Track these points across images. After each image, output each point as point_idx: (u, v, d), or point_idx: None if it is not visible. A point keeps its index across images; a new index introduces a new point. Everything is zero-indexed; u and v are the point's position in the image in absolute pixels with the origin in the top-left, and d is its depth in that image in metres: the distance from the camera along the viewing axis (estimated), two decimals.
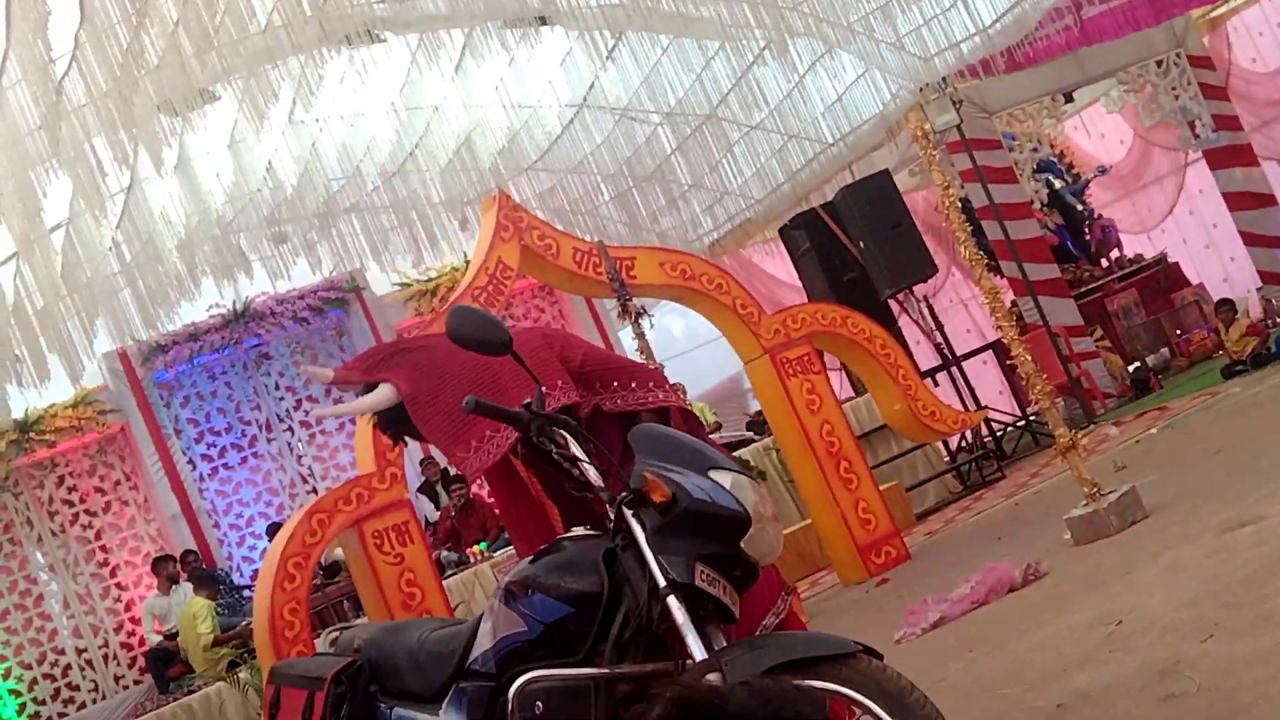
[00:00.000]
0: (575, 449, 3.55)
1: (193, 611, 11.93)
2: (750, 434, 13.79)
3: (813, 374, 9.57)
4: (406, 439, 4.32)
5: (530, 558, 3.62)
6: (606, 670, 3.31)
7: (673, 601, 3.20)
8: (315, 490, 14.87)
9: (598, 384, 4.19)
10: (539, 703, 3.35)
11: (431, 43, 12.33)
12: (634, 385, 4.28)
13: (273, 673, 4.14)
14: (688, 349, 16.88)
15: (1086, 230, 16.68)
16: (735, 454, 12.12)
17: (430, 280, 16.32)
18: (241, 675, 9.67)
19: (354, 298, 15.85)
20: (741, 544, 3.27)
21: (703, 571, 3.23)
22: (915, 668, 5.76)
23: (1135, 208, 17.97)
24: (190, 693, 10.51)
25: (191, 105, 10.81)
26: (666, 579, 3.21)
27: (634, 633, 3.30)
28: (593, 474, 3.49)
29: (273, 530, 13.58)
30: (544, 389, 3.74)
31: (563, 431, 3.58)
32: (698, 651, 3.14)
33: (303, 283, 15.54)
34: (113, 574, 14.44)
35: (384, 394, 4.16)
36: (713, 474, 3.32)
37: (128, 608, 14.31)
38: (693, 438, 3.62)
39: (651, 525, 3.26)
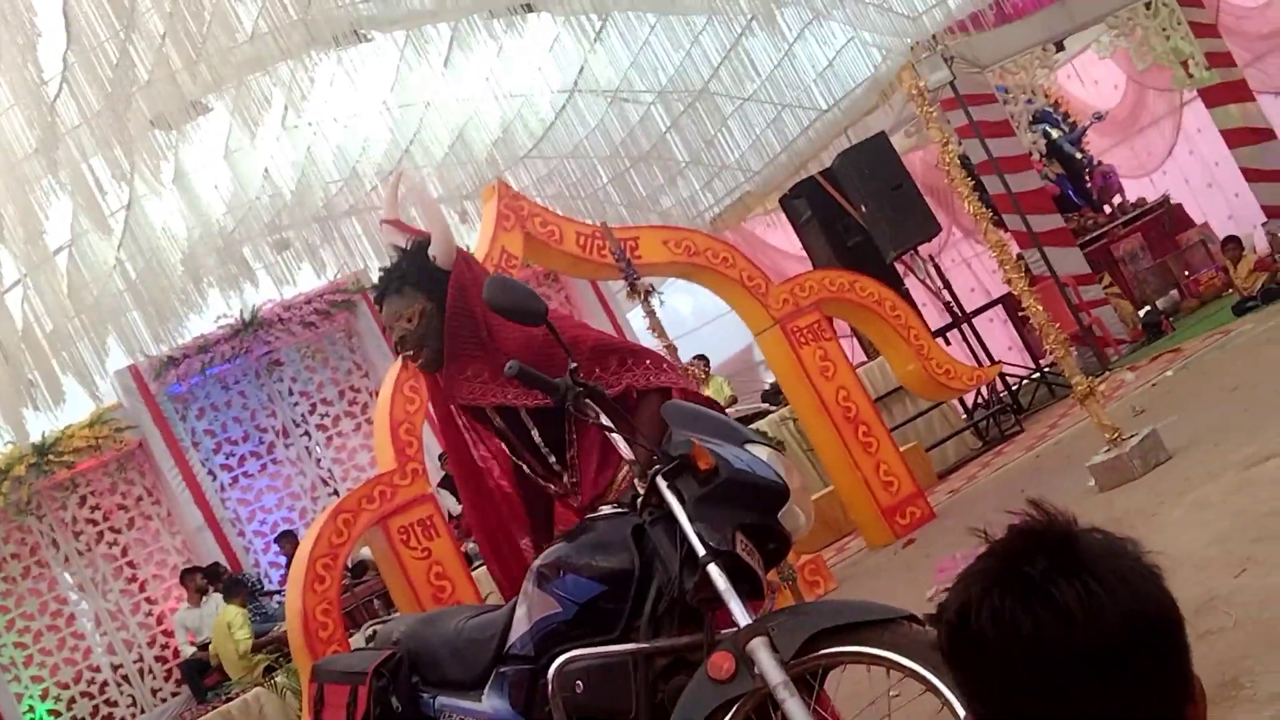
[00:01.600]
0: (605, 420, 3.57)
1: (227, 620, 11.97)
2: (766, 405, 13.80)
3: (824, 341, 9.57)
4: (424, 357, 4.10)
5: (563, 538, 3.65)
6: (644, 645, 3.33)
7: (714, 569, 3.21)
8: (336, 492, 14.90)
9: (598, 369, 4.18)
10: (579, 681, 3.38)
11: (419, 38, 12.33)
12: (638, 365, 4.27)
13: (315, 670, 4.17)
14: (697, 326, 16.88)
15: (1087, 178, 16.66)
16: (754, 426, 12.14)
17: None
18: (279, 679, 9.70)
19: (360, 299, 15.87)
20: (779, 515, 3.30)
21: (742, 541, 3.25)
22: None
23: (1134, 152, 17.93)
24: (229, 700, 10.55)
25: (185, 118, 10.82)
26: (706, 548, 3.22)
27: (668, 606, 3.32)
28: (623, 445, 3.52)
29: (284, 539, 13.65)
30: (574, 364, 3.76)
31: (594, 404, 3.60)
32: (741, 618, 3.15)
33: (308, 287, 15.57)
34: (142, 589, 14.50)
35: (447, 245, 4.16)
36: (749, 447, 3.36)
37: (159, 621, 14.37)
38: (723, 415, 3.66)
39: (691, 495, 3.28)
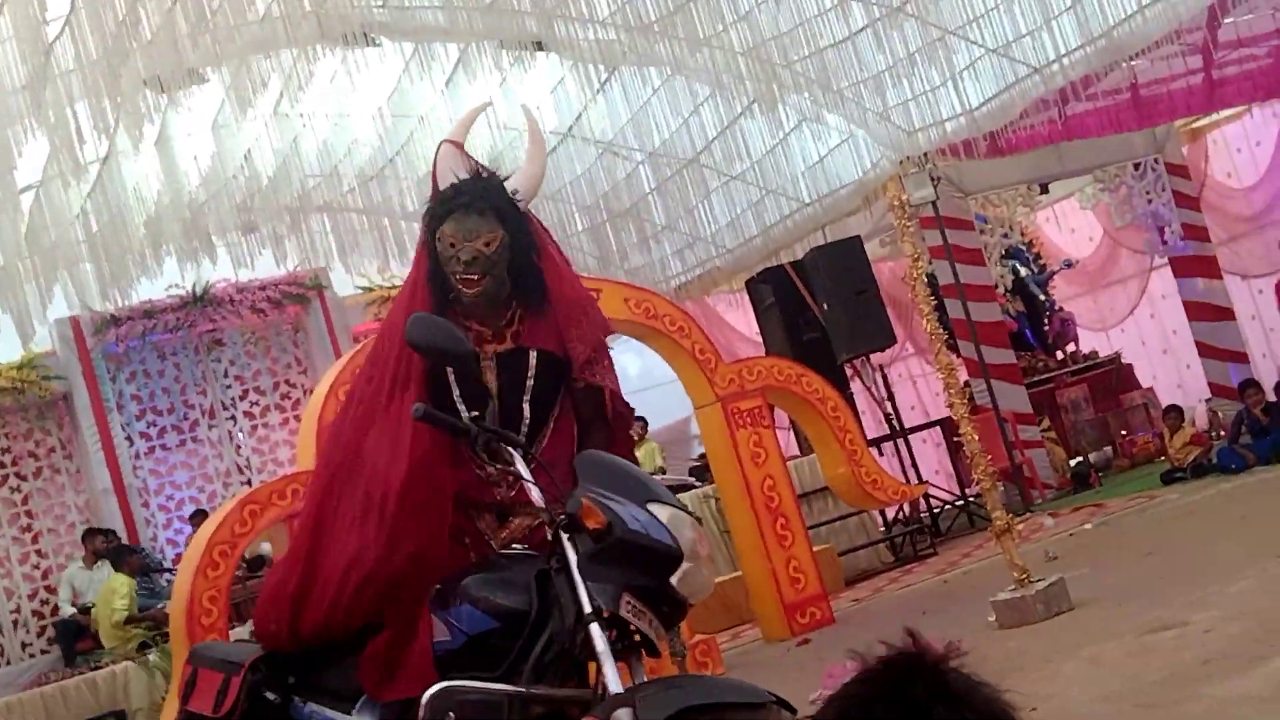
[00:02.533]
0: (520, 468, 3.55)
1: (112, 587, 11.82)
2: (692, 479, 13.81)
3: (762, 427, 9.61)
4: (484, 287, 3.89)
5: (472, 568, 3.63)
6: (523, 690, 3.32)
7: (595, 629, 3.22)
8: (250, 481, 14.77)
9: (600, 363, 4.14)
10: (451, 712, 3.35)
11: (426, 54, 12.34)
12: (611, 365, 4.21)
13: (193, 653, 4.13)
14: (641, 388, 16.88)
15: (1046, 321, 16.89)
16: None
17: (394, 287, 16.29)
18: (151, 657, 9.57)
19: (315, 295, 15.80)
20: (671, 580, 3.29)
21: (629, 602, 3.25)
22: None
23: (1097, 304, 18.19)
24: (97, 668, 10.38)
25: (179, 84, 10.77)
26: (592, 605, 3.22)
27: (556, 656, 3.32)
28: (536, 495, 3.50)
29: (196, 518, 13.49)
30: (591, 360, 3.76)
31: (509, 448, 3.59)
32: (613, 684, 3.16)
33: (265, 274, 15.49)
34: (35, 540, 14.29)
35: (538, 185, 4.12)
36: (651, 507, 3.34)
37: (45, 576, 14.15)
38: (638, 469, 3.64)
39: (585, 551, 3.28)
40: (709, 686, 3.25)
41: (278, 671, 3.79)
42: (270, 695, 3.77)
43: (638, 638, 3.35)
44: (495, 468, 3.69)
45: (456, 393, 3.87)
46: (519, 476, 3.54)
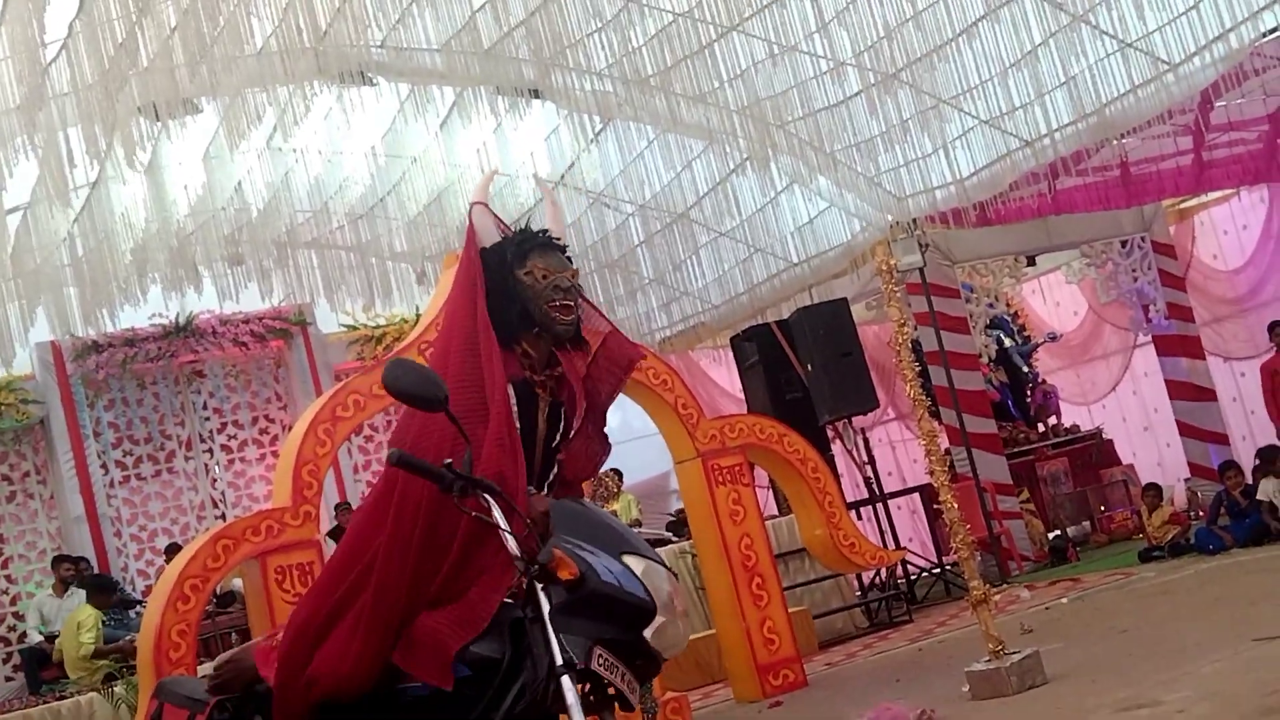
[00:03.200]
0: (497, 516, 3.51)
1: (78, 620, 11.66)
2: (669, 534, 13.76)
3: (741, 485, 9.57)
4: (575, 316, 4.00)
5: None
6: None
7: (565, 682, 3.17)
8: (224, 516, 14.67)
9: None
10: None
11: (422, 95, 12.39)
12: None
13: (160, 687, 4.08)
14: (621, 440, 16.82)
15: (1029, 393, 16.92)
16: None
17: (378, 327, 16.29)
18: (116, 689, 9.43)
19: (299, 331, 15.75)
20: (645, 633, 3.24)
21: (601, 655, 3.21)
22: None
23: (1079, 379, 18.23)
24: (62, 698, 10.24)
25: (173, 113, 10.76)
26: (564, 658, 3.18)
27: (528, 706, 3.26)
28: (512, 544, 3.45)
29: (172, 551, 13.36)
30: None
31: (486, 495, 3.54)
32: None
33: (250, 308, 15.44)
34: (4, 565, 14.15)
35: None
36: (627, 559, 3.30)
37: (13, 602, 14.01)
38: (615, 519, 3.60)
39: (557, 601, 3.24)
40: None
41: (243, 711, 3.74)
42: None
43: (611, 691, 3.30)
44: (471, 515, 3.64)
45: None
46: (495, 525, 3.49)
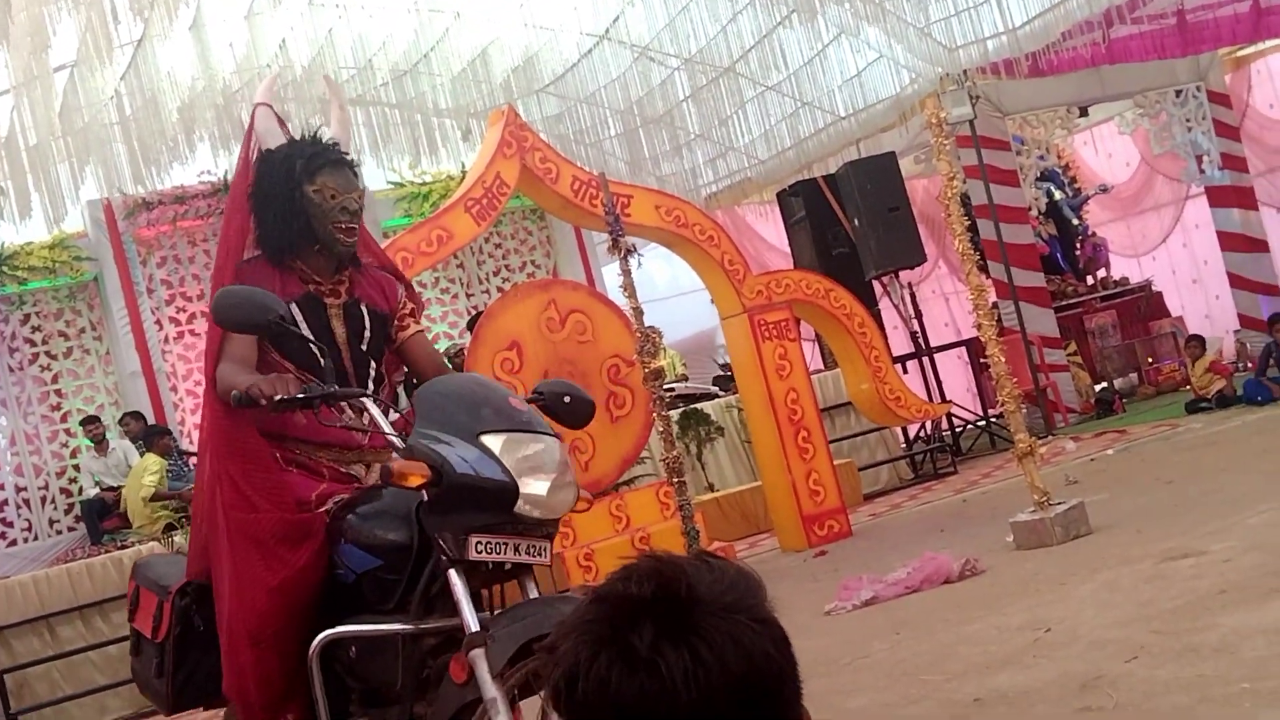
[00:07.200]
0: (381, 422, 3.56)
1: (144, 465, 11.97)
2: (715, 389, 13.85)
3: (787, 340, 9.62)
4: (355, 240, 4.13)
5: (356, 501, 3.71)
6: (409, 626, 3.36)
7: (453, 575, 3.23)
8: None
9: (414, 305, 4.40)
10: (352, 647, 3.49)
11: None
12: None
13: (135, 569, 4.16)
14: (668, 296, 16.88)
15: (1078, 245, 16.78)
16: (698, 406, 12.18)
17: (425, 184, 16.27)
18: (176, 538, 9.71)
19: None
20: (516, 510, 3.23)
21: (479, 543, 3.21)
22: (841, 642, 5.86)
23: (1130, 231, 18.07)
24: (123, 547, 10.56)
25: None
26: (445, 554, 3.24)
27: (443, 588, 3.31)
28: (397, 441, 3.47)
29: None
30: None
31: (363, 401, 3.63)
32: (471, 624, 3.17)
33: None
34: (64, 419, 14.42)
35: None
36: (484, 438, 3.25)
37: (74, 455, 14.30)
38: (479, 391, 3.47)
39: (429, 498, 3.26)
40: (550, 614, 3.15)
41: (206, 596, 3.82)
42: (198, 621, 3.82)
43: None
44: (341, 423, 3.73)
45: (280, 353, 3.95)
46: (378, 430, 3.58)
